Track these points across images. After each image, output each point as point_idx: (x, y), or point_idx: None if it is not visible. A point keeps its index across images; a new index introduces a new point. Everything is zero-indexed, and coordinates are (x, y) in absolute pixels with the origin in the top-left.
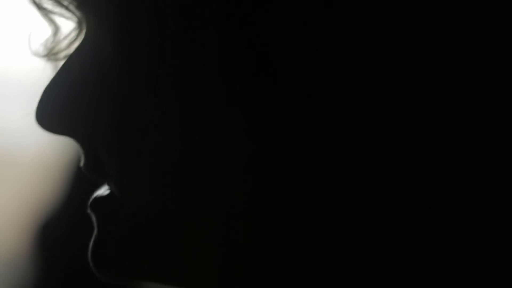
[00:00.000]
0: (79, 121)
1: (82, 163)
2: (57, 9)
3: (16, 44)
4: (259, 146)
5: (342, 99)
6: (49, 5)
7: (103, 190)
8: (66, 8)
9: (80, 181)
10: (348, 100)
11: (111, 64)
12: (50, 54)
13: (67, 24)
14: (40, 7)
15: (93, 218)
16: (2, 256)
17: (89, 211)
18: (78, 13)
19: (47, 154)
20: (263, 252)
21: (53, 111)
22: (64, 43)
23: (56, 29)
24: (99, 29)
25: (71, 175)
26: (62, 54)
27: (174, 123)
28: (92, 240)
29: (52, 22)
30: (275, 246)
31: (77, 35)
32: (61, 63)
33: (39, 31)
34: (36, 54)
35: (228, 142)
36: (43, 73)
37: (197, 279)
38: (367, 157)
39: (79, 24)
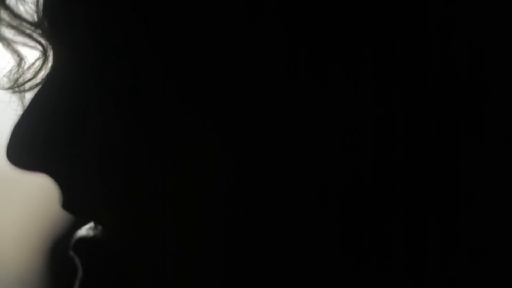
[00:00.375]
0: (54, 156)
1: (60, 202)
2: (19, 38)
3: None
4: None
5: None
6: (10, 35)
7: (85, 231)
8: (30, 36)
9: None
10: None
11: (83, 91)
12: (15, 86)
13: (31, 54)
14: (1, 37)
15: (77, 260)
16: (13, 273)
17: (71, 253)
18: (42, 41)
19: None
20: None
21: (25, 147)
22: (29, 74)
23: (20, 59)
24: (67, 56)
25: None
26: (28, 85)
27: (152, 148)
28: (77, 282)
29: (15, 52)
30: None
31: (42, 64)
32: (28, 95)
33: (1, 62)
34: (3, 86)
35: (186, 153)
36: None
37: None
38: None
39: (44, 52)
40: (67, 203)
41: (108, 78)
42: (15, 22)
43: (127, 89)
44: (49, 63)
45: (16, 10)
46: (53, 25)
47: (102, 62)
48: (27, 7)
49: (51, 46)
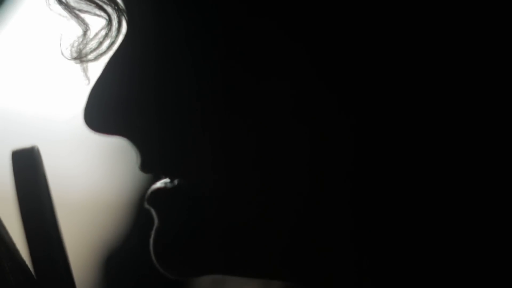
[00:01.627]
0: (133, 117)
1: (138, 163)
2: (84, 6)
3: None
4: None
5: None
6: (77, 4)
7: (161, 184)
8: (95, 4)
9: (139, 215)
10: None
11: (162, 56)
12: (80, 56)
13: (96, 23)
14: (67, 6)
15: (154, 211)
16: None
17: (147, 205)
18: (108, 9)
19: (103, 191)
20: (330, 243)
21: (104, 110)
22: (93, 43)
23: (85, 28)
24: (141, 23)
25: (131, 209)
26: (93, 55)
27: (235, 111)
28: (153, 234)
29: (80, 21)
30: (342, 237)
31: (107, 34)
32: (93, 64)
33: (67, 34)
34: (66, 56)
35: (293, 129)
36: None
37: (264, 267)
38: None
39: (109, 21)
40: (145, 162)
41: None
42: None
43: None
44: (114, 32)
45: None
46: None
47: (181, 27)
48: None
49: (122, 14)
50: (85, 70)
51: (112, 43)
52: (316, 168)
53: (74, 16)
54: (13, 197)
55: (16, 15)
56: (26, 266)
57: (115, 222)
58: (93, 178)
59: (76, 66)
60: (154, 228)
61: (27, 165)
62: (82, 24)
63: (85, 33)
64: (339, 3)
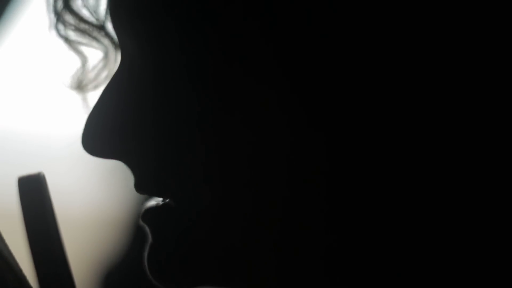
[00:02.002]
0: (128, 142)
1: (134, 184)
2: (83, 40)
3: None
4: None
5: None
6: (75, 37)
7: (154, 202)
8: (93, 38)
9: (138, 231)
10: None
11: (154, 82)
12: (80, 86)
13: (94, 55)
14: (67, 40)
15: (147, 228)
16: None
17: (141, 222)
18: (105, 43)
19: (102, 208)
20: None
21: (101, 136)
22: (92, 74)
23: (85, 60)
24: (135, 52)
25: (130, 226)
26: (91, 85)
27: (225, 130)
28: (147, 250)
29: (79, 53)
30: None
31: (104, 66)
32: (92, 93)
33: (67, 64)
34: (67, 86)
35: (277, 142)
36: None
37: (254, 279)
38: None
39: (106, 54)
40: (139, 183)
41: (184, 66)
42: (79, 25)
43: (196, 78)
44: (111, 64)
45: (81, 13)
46: (121, 22)
47: (172, 54)
48: (91, 10)
49: (116, 45)
50: (84, 99)
51: (109, 74)
52: (300, 182)
53: (74, 49)
54: (19, 220)
55: (15, 35)
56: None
57: (115, 239)
58: (93, 196)
59: (76, 95)
60: (148, 244)
61: (33, 192)
62: (81, 56)
63: (84, 64)
64: (318, 14)
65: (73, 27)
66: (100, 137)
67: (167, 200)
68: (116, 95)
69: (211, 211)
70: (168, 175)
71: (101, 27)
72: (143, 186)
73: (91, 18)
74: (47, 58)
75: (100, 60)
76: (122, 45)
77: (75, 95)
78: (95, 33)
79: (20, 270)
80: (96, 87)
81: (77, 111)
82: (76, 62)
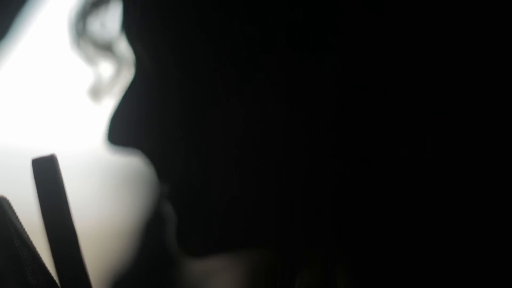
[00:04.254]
0: (149, 134)
1: (155, 174)
2: (98, 56)
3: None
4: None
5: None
6: (91, 53)
7: (175, 182)
8: (109, 54)
9: (145, 242)
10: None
11: (167, 82)
12: (95, 96)
13: (107, 69)
14: (86, 56)
15: (171, 207)
16: None
17: (166, 201)
18: (117, 59)
19: (110, 219)
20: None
21: (124, 128)
22: (106, 87)
23: (100, 72)
24: (148, 60)
25: (137, 237)
26: (106, 95)
27: (235, 121)
28: (174, 227)
29: (96, 66)
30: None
31: (118, 76)
32: (106, 100)
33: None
34: (85, 95)
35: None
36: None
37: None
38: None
39: (119, 66)
40: (160, 172)
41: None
42: (97, 44)
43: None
44: (122, 76)
45: (98, 34)
46: (138, 37)
47: (182, 61)
48: (107, 30)
49: (127, 60)
50: (99, 106)
51: (121, 84)
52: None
53: (91, 63)
54: (34, 202)
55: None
56: (47, 268)
57: (122, 249)
58: (101, 207)
59: (91, 103)
60: (174, 221)
61: (48, 172)
62: (97, 69)
63: (99, 76)
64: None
65: (91, 46)
66: (124, 129)
67: (185, 181)
68: (135, 96)
69: (223, 190)
70: (187, 161)
71: (115, 45)
72: (160, 174)
73: (107, 37)
74: (59, 72)
75: (114, 73)
76: (137, 55)
77: (89, 105)
78: (110, 50)
79: (34, 247)
80: (110, 95)
81: (84, 125)
82: (91, 73)
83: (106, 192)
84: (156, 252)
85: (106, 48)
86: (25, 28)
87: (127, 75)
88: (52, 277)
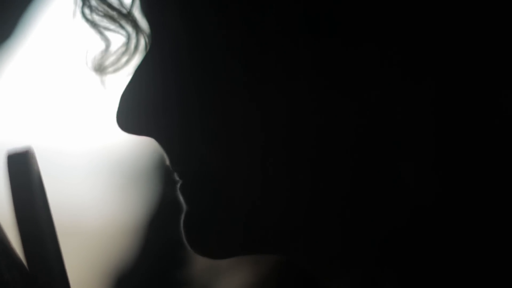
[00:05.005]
0: (160, 118)
1: (168, 161)
2: (109, 25)
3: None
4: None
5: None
6: (101, 21)
7: (187, 172)
8: (118, 24)
9: (149, 240)
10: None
11: (181, 64)
12: (100, 68)
13: (116, 40)
14: (93, 24)
15: (182, 197)
16: None
17: (178, 192)
18: (128, 28)
19: (115, 218)
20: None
21: (135, 114)
22: (113, 58)
23: (108, 44)
24: (161, 37)
25: (141, 235)
26: (112, 69)
27: (248, 109)
28: (183, 218)
29: (103, 37)
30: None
31: (125, 51)
32: (109, 77)
33: (90, 47)
34: (88, 68)
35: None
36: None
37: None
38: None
39: (128, 40)
40: (173, 158)
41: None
42: (107, 11)
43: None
44: (132, 50)
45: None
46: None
47: (196, 39)
48: None
49: (141, 33)
50: (103, 82)
51: (129, 60)
52: (320, 159)
53: (98, 32)
54: (7, 197)
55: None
56: (22, 262)
57: (126, 247)
58: (105, 206)
59: (95, 79)
60: (184, 212)
61: (21, 166)
62: (105, 39)
63: (106, 48)
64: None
65: (100, 13)
66: (134, 115)
67: (199, 171)
68: (148, 75)
69: (239, 181)
70: (195, 147)
71: (127, 14)
72: (173, 161)
73: (117, 5)
74: (62, 73)
75: (122, 45)
76: (154, 28)
77: (94, 80)
78: (121, 19)
79: (8, 242)
80: (115, 70)
81: (89, 123)
82: (98, 45)
83: (113, 190)
84: (162, 251)
85: (117, 14)
86: (31, 27)
87: (139, 49)
88: (27, 272)
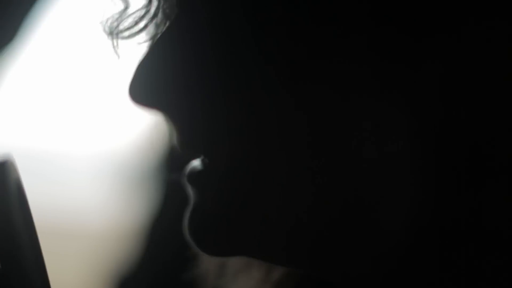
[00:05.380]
0: (174, 95)
1: (177, 142)
2: None
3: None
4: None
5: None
6: None
7: (199, 163)
8: None
9: (150, 244)
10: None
11: (204, 41)
12: (114, 31)
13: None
14: None
15: (191, 189)
16: None
17: (186, 183)
18: None
19: (117, 221)
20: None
21: (150, 86)
22: (129, 21)
23: (126, 5)
24: (188, 10)
25: (143, 238)
26: (127, 33)
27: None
28: (189, 212)
29: None
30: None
31: (144, 15)
32: (124, 42)
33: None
34: (102, 32)
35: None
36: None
37: (294, 256)
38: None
39: (149, 3)
40: (183, 140)
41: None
42: None
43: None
44: (151, 14)
45: None
46: None
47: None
48: None
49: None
50: (116, 47)
51: (146, 25)
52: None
53: None
54: None
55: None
56: None
57: (131, 250)
58: (109, 209)
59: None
60: (191, 205)
61: None
62: (123, 1)
63: (124, 10)
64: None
65: None
66: (150, 85)
67: (211, 162)
68: (168, 49)
69: (252, 177)
70: (211, 132)
71: None
72: (182, 143)
73: None
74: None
75: (141, 7)
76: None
77: (107, 46)
78: None
79: None
80: (130, 36)
81: (92, 126)
82: (117, 6)
83: (117, 193)
84: (166, 253)
85: None
86: (35, 28)
87: (159, 15)
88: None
